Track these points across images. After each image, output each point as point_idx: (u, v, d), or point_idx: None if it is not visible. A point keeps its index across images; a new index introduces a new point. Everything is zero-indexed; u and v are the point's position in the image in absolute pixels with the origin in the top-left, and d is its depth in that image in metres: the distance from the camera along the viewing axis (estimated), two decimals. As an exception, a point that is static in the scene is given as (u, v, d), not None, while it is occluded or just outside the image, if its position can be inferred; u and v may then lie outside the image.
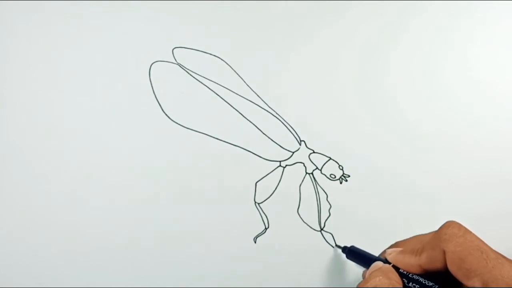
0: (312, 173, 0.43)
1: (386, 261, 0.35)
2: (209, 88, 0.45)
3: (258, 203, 0.42)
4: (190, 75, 0.45)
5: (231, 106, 0.44)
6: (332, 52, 0.47)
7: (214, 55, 0.46)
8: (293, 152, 0.44)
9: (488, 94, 0.48)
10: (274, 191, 0.42)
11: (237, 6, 0.47)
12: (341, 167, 0.44)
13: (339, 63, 0.47)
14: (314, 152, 0.44)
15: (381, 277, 0.31)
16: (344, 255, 0.39)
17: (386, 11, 0.49)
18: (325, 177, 0.43)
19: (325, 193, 0.43)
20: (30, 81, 0.43)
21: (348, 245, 0.39)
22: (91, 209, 0.40)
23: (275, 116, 0.45)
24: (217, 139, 0.43)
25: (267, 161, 0.43)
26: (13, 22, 0.44)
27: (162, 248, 0.40)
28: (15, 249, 0.38)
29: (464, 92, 0.48)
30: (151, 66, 0.44)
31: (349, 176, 0.43)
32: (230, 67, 0.46)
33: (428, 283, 0.32)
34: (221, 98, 0.44)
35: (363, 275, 0.37)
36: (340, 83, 0.47)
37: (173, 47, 0.45)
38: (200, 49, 0.46)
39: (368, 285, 0.31)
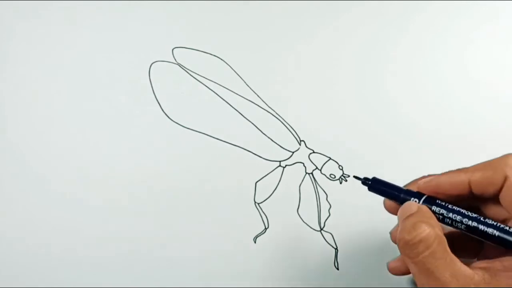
0: (312, 173, 0.43)
1: (417, 194, 0.31)
2: (209, 88, 0.45)
3: (258, 203, 0.42)
4: (190, 75, 0.45)
5: (231, 106, 0.44)
6: (332, 52, 0.47)
7: (214, 55, 0.46)
8: (293, 152, 0.44)
9: (488, 94, 0.48)
10: (274, 191, 0.42)
11: (237, 6, 0.47)
12: (341, 167, 0.44)
13: (339, 63, 0.47)
14: (314, 152, 0.44)
15: (427, 229, 0.27)
16: (344, 259, 0.39)
17: (386, 11, 0.49)
18: (325, 177, 0.43)
19: (325, 193, 0.43)
20: (30, 81, 0.43)
21: (369, 180, 0.34)
22: (91, 209, 0.40)
23: (275, 116, 0.45)
24: (217, 139, 0.43)
25: (267, 161, 0.43)
26: (13, 22, 0.44)
27: (162, 248, 0.40)
28: (15, 249, 0.38)
29: (464, 92, 0.47)
30: (151, 66, 0.44)
31: (349, 176, 0.43)
32: (230, 67, 0.46)
33: (471, 214, 0.29)
34: (221, 98, 0.44)
35: (387, 207, 0.33)
36: (340, 83, 0.46)
37: (173, 47, 0.45)
38: (200, 49, 0.46)
39: (416, 239, 0.27)
